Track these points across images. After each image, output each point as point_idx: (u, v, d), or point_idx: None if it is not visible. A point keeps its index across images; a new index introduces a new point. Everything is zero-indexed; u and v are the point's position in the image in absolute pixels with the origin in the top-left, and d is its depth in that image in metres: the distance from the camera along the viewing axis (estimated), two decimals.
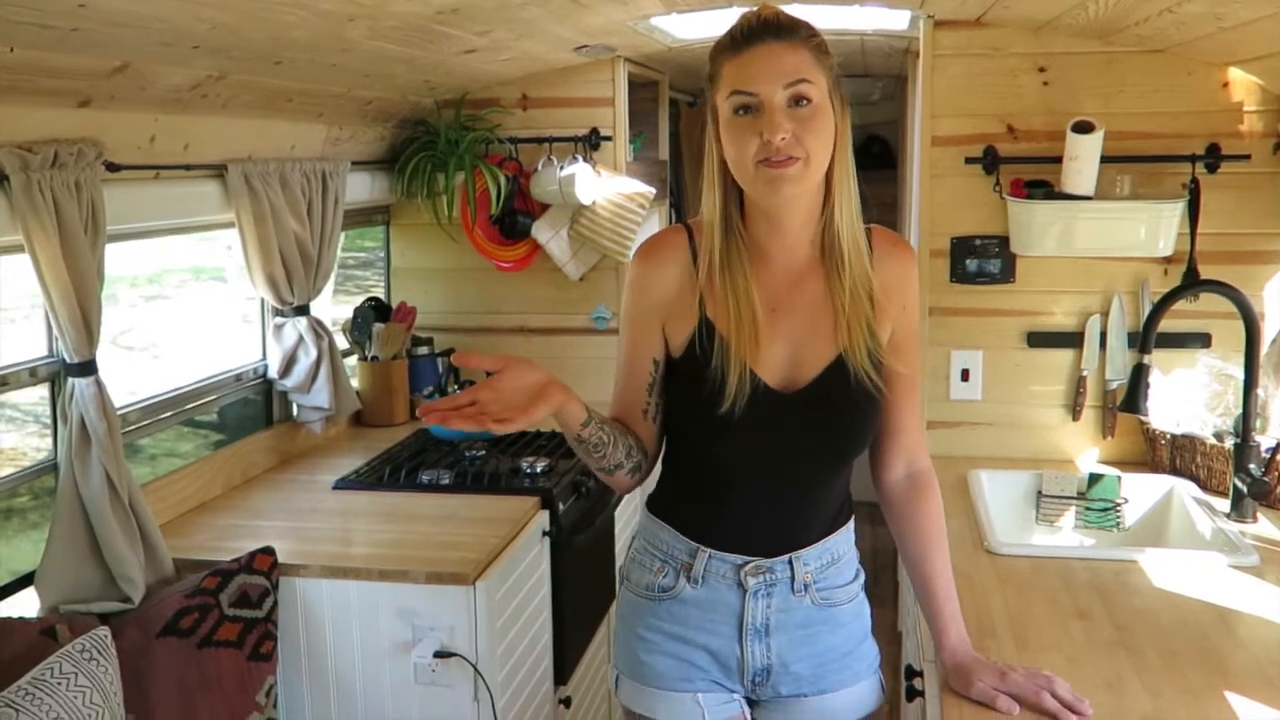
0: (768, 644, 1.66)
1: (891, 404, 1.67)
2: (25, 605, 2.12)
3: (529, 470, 2.78)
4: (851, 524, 1.73)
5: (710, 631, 1.67)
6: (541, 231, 3.47)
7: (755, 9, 1.53)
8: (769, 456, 1.62)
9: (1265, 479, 2.31)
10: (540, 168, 3.41)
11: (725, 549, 1.65)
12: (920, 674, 1.92)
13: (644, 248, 1.69)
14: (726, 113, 1.52)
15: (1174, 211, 2.57)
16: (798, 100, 1.48)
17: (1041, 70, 2.72)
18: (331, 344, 2.99)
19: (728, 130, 1.52)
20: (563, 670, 2.68)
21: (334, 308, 3.43)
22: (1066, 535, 2.64)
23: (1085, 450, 2.84)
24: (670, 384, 1.66)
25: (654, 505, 1.74)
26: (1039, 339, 2.83)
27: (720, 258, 1.59)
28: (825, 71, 1.52)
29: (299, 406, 3.05)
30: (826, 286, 1.60)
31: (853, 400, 1.59)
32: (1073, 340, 2.82)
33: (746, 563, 1.64)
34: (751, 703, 1.72)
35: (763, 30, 1.50)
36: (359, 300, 3.52)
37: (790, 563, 1.64)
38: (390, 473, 2.83)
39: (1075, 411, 2.83)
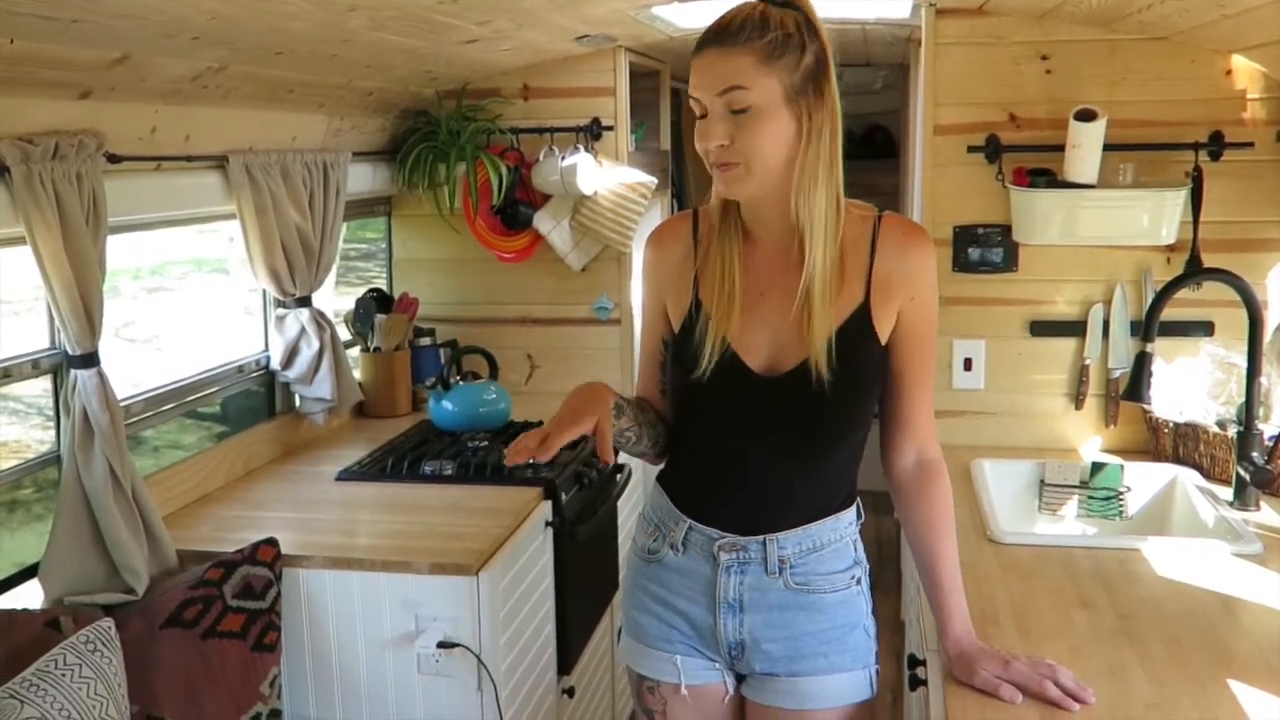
0: (741, 619, 1.67)
1: (901, 393, 1.67)
2: (29, 597, 2.12)
3: (532, 461, 2.77)
4: (849, 515, 1.71)
5: (688, 599, 1.70)
6: (543, 222, 3.47)
7: (732, 9, 1.54)
8: (746, 438, 1.65)
9: (1268, 467, 2.31)
10: (542, 158, 3.40)
11: (704, 522, 1.68)
12: (923, 663, 1.92)
13: (652, 233, 1.77)
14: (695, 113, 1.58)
15: (1177, 199, 2.56)
16: (735, 107, 1.51)
17: (1044, 58, 2.72)
18: (334, 335, 2.99)
19: (695, 129, 1.57)
20: (566, 660, 2.68)
21: (336, 299, 3.44)
22: (1069, 524, 2.64)
23: (1088, 439, 2.84)
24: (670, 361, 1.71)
25: (660, 472, 1.80)
26: (1042, 328, 2.82)
27: (716, 235, 1.65)
28: (778, 73, 1.50)
29: (301, 398, 3.05)
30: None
31: (830, 393, 1.59)
32: (1075, 329, 2.81)
33: (721, 538, 1.67)
34: (740, 677, 1.74)
35: (710, 36, 1.52)
36: (361, 291, 3.52)
37: (765, 543, 1.65)
38: (393, 464, 2.83)
39: (1078, 400, 2.83)
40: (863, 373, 1.60)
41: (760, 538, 1.65)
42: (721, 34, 1.51)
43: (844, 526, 1.70)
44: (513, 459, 1.56)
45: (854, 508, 1.73)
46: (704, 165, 1.61)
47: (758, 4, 1.53)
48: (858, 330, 1.60)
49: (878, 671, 1.73)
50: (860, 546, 1.73)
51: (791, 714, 1.68)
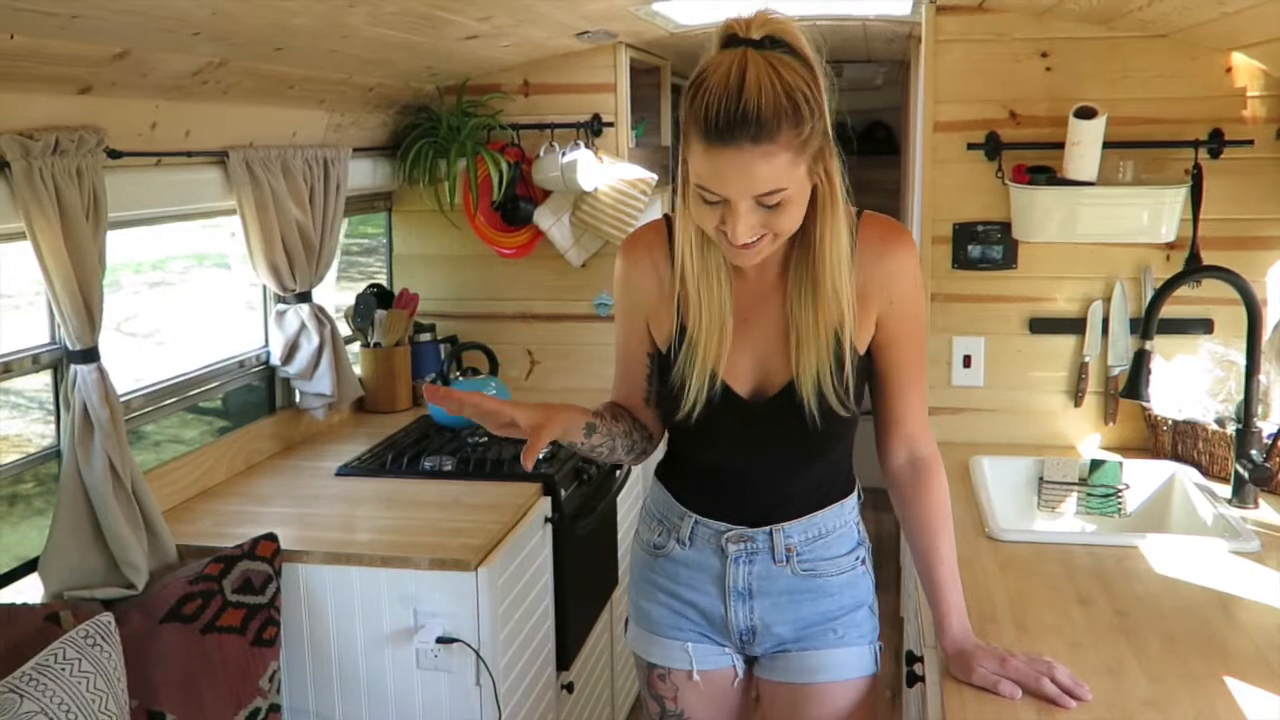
0: (751, 606, 1.71)
1: (889, 394, 1.69)
2: (29, 591, 2.13)
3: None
4: (851, 500, 1.75)
5: (698, 590, 1.73)
6: (544, 218, 3.47)
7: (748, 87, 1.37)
8: (740, 456, 1.67)
9: (1267, 465, 2.31)
10: (542, 154, 3.40)
11: (709, 516, 1.71)
12: (921, 659, 1.92)
13: (624, 245, 1.74)
14: (693, 185, 1.44)
15: (1176, 197, 2.56)
16: (770, 203, 1.43)
17: (1044, 55, 2.71)
18: (334, 330, 2.99)
19: (693, 200, 1.46)
20: (565, 656, 2.68)
21: (336, 294, 3.44)
22: (1068, 521, 2.65)
23: (1087, 436, 2.84)
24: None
25: (659, 468, 1.81)
26: (1041, 325, 2.82)
27: (699, 266, 1.59)
28: (806, 159, 1.42)
29: (301, 393, 3.05)
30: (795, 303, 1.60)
31: (817, 411, 1.59)
32: (1075, 326, 2.81)
33: (728, 530, 1.69)
34: (750, 659, 1.78)
35: (738, 126, 1.35)
36: (361, 287, 3.52)
37: (771, 534, 1.68)
38: (393, 459, 2.84)
39: (1077, 397, 2.83)
40: (844, 386, 1.60)
41: (766, 528, 1.68)
42: (756, 127, 1.35)
43: (847, 512, 1.74)
44: (430, 395, 1.57)
45: (855, 493, 1.76)
46: None
47: (767, 70, 1.36)
48: (836, 344, 1.59)
49: (882, 647, 1.77)
50: (862, 527, 1.77)
51: (801, 688, 1.72)
